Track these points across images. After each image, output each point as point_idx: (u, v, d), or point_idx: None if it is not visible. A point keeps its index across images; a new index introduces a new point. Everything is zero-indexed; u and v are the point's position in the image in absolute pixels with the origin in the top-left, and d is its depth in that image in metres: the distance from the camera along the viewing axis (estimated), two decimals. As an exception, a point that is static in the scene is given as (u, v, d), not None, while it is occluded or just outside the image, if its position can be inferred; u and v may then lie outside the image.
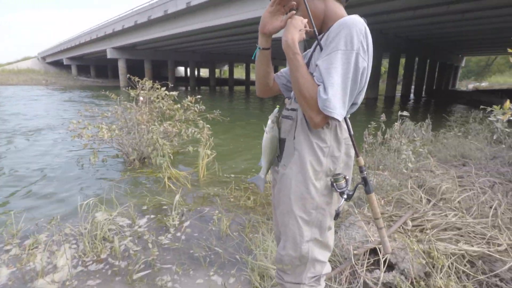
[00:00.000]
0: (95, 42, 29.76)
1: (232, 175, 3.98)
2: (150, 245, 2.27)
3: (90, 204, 2.49)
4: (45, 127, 7.45)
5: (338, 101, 0.91)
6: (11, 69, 40.47)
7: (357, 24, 0.92)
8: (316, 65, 0.96)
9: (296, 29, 0.97)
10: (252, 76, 38.89)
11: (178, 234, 2.47)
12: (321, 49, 0.98)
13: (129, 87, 4.57)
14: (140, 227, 2.55)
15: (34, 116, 9.54)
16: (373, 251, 1.79)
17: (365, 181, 1.05)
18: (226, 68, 58.47)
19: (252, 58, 1.19)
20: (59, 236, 2.31)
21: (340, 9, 1.08)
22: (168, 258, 2.14)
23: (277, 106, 1.14)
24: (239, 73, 57.57)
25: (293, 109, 1.09)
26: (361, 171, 1.06)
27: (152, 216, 2.77)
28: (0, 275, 1.95)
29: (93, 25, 29.47)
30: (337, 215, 1.05)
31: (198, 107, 4.47)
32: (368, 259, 1.74)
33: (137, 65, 31.72)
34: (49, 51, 42.96)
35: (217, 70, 52.64)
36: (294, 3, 1.02)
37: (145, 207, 2.94)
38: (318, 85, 0.93)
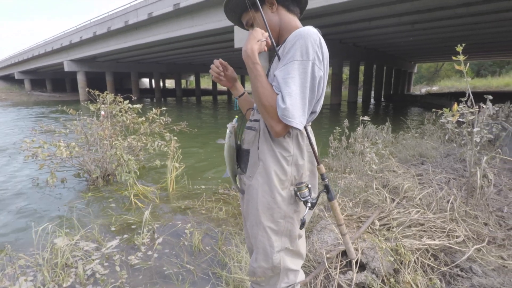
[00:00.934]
0: (50, 54, 28.10)
1: (203, 186, 3.91)
2: (118, 268, 2.14)
3: (48, 229, 2.30)
4: (-6, 148, 6.85)
5: (297, 110, 0.93)
6: (-47, 85, 36.85)
7: (312, 35, 0.95)
8: (274, 75, 0.98)
9: (255, 39, 0.99)
10: (219, 87, 38.88)
11: (150, 252, 2.36)
12: (279, 59, 1.02)
13: (89, 101, 4.36)
14: (107, 249, 2.41)
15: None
16: (345, 253, 1.83)
17: (327, 189, 1.08)
18: (192, 78, 57.93)
19: (236, 109, 1.27)
20: (12, 269, 2.09)
21: (294, 20, 1.12)
22: (139, 279, 2.03)
23: (236, 116, 1.17)
24: (205, 83, 57.25)
25: (256, 120, 1.10)
26: (323, 179, 1.08)
27: (120, 236, 2.63)
28: None
29: (48, 37, 27.84)
30: (302, 224, 1.04)
31: (164, 119, 4.36)
32: (341, 261, 1.78)
33: (98, 78, 30.43)
34: (-2, 65, 39.85)
35: (183, 81, 51.95)
36: (232, 70, 1.20)
37: (113, 228, 2.78)
38: (276, 92, 0.96)
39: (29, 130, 9.49)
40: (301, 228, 1.06)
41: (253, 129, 1.09)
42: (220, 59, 1.20)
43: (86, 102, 4.46)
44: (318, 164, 1.08)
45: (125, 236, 2.63)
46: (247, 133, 1.13)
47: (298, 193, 1.03)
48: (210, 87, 43.17)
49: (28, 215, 3.23)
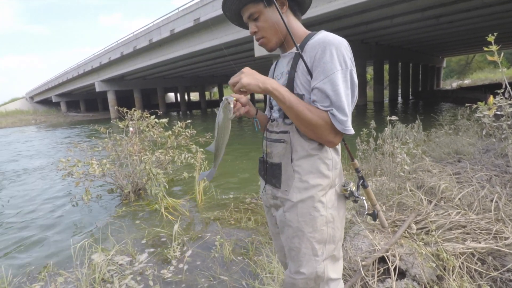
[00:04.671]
0: (82, 76, 29.95)
1: (231, 196, 3.93)
2: (151, 283, 2.17)
3: (86, 245, 2.40)
4: (34, 169, 7.32)
5: (350, 118, 0.96)
6: (-1, 112, 40.24)
7: (343, 42, 0.96)
8: (314, 88, 0.96)
9: (252, 75, 0.95)
10: (241, 96, 39.22)
11: (181, 265, 2.39)
12: (307, 68, 0.97)
13: (119, 119, 4.55)
14: (140, 263, 2.46)
15: (23, 157, 9.39)
16: (382, 260, 1.74)
17: (363, 179, 1.17)
18: (216, 90, 59.10)
19: (256, 130, 1.21)
20: (54, 286, 2.19)
21: (301, 26, 1.10)
22: (172, 292, 2.05)
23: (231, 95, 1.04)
24: (229, 93, 57.89)
25: (283, 132, 1.06)
26: (358, 171, 1.18)
27: (152, 249, 2.68)
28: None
29: (80, 60, 29.76)
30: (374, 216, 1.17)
31: (190, 131, 4.45)
32: (378, 268, 1.69)
33: (127, 95, 31.88)
34: (37, 90, 42.98)
35: (207, 93, 53.12)
36: (245, 98, 1.08)
37: (144, 241, 2.85)
38: (325, 110, 0.94)
39: (64, 150, 10.10)
40: (374, 219, 1.18)
41: (282, 141, 1.06)
42: (234, 98, 1.06)
43: (116, 120, 4.67)
44: (352, 160, 1.18)
45: (157, 249, 2.67)
46: (275, 146, 1.08)
47: (353, 192, 1.07)
48: (232, 97, 43.62)
49: (67, 231, 3.40)
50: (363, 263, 1.70)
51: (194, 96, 55.08)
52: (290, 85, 1.02)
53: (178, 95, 37.77)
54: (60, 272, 2.33)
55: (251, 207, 3.42)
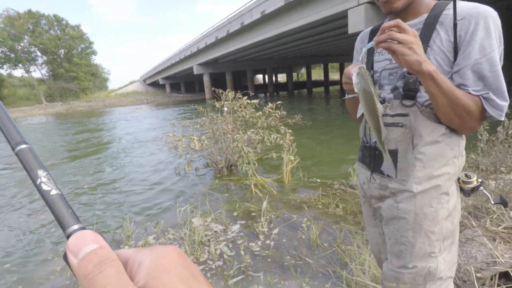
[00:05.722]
0: (183, 61, 33.26)
1: (318, 180, 3.85)
2: (242, 252, 2.33)
3: (188, 210, 2.72)
4: (149, 141, 8.60)
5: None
6: (122, 92, 48.48)
7: (496, 14, 0.81)
8: (462, 69, 0.82)
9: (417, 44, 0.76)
10: (331, 76, 37.75)
11: (268, 241, 2.48)
12: (455, 42, 0.81)
13: (214, 99, 4.91)
14: (232, 232, 2.66)
15: (139, 131, 11.10)
16: (504, 275, 1.46)
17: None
18: (303, 71, 58.15)
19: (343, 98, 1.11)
20: (164, 240, 2.57)
21: None
22: (259, 266, 2.16)
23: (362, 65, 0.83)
24: (316, 74, 56.54)
25: (402, 115, 0.93)
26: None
27: (242, 221, 2.86)
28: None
29: (181, 46, 33.02)
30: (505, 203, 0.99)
31: (279, 113, 4.49)
32: (498, 285, 1.42)
33: (219, 78, 34.18)
34: (148, 74, 49.82)
35: (294, 74, 52.79)
36: None
37: (235, 213, 3.06)
38: (477, 94, 0.81)
39: (169, 126, 11.53)
40: (505, 206, 1.02)
41: (400, 125, 0.93)
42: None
43: (211, 100, 5.05)
44: None
45: (247, 222, 2.84)
46: (391, 130, 0.96)
47: (473, 186, 0.94)
48: (321, 78, 42.39)
49: (172, 196, 3.92)
50: (478, 274, 1.45)
51: (281, 77, 55.36)
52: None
53: (266, 76, 38.53)
54: (168, 230, 2.72)
55: (339, 194, 3.30)
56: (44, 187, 0.27)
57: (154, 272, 0.22)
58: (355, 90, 0.83)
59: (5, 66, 40.07)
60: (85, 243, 0.23)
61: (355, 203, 2.95)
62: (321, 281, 1.92)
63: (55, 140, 10.64)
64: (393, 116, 0.95)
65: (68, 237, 0.25)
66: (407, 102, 0.91)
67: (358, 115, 1.12)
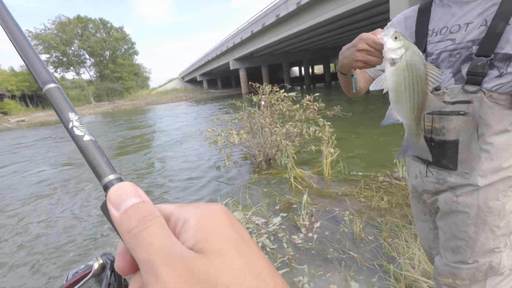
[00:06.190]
0: (219, 57, 33.90)
1: (360, 173, 3.74)
2: (285, 245, 2.35)
3: (229, 203, 2.79)
4: (189, 136, 8.94)
5: None
6: (162, 90, 50.90)
7: None
8: None
9: None
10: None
11: (310, 234, 2.48)
12: None
13: (251, 93, 4.95)
14: (274, 225, 2.69)
15: (180, 127, 11.58)
16: None
17: None
18: (339, 61, 56.18)
19: (354, 91, 1.02)
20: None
21: None
22: (303, 258, 2.16)
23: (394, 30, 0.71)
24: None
25: (463, 102, 0.85)
26: None
27: (283, 214, 2.88)
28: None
29: (217, 42, 33.66)
30: None
31: (318, 105, 4.41)
32: None
33: (255, 72, 34.35)
34: (186, 71, 51.63)
35: (331, 65, 51.28)
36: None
37: (277, 207, 3.09)
38: None
39: (208, 121, 11.86)
40: None
41: (462, 113, 0.86)
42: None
43: (248, 95, 5.10)
44: None
45: (289, 214, 2.85)
46: (449, 119, 0.88)
47: None
48: (359, 67, 40.56)
49: (213, 190, 4.06)
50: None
51: (318, 69, 54.05)
52: (491, 41, 0.78)
53: (302, 68, 37.87)
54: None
55: (383, 186, 3.18)
56: (77, 131, 0.24)
57: (203, 233, 0.20)
58: (391, 56, 0.70)
59: (58, 70, 43.77)
60: (127, 195, 0.21)
61: (401, 195, 2.82)
62: (367, 275, 1.88)
63: (111, 137, 11.49)
64: (453, 103, 0.87)
65: (105, 187, 0.23)
66: (471, 88, 0.83)
67: (373, 88, 0.87)
